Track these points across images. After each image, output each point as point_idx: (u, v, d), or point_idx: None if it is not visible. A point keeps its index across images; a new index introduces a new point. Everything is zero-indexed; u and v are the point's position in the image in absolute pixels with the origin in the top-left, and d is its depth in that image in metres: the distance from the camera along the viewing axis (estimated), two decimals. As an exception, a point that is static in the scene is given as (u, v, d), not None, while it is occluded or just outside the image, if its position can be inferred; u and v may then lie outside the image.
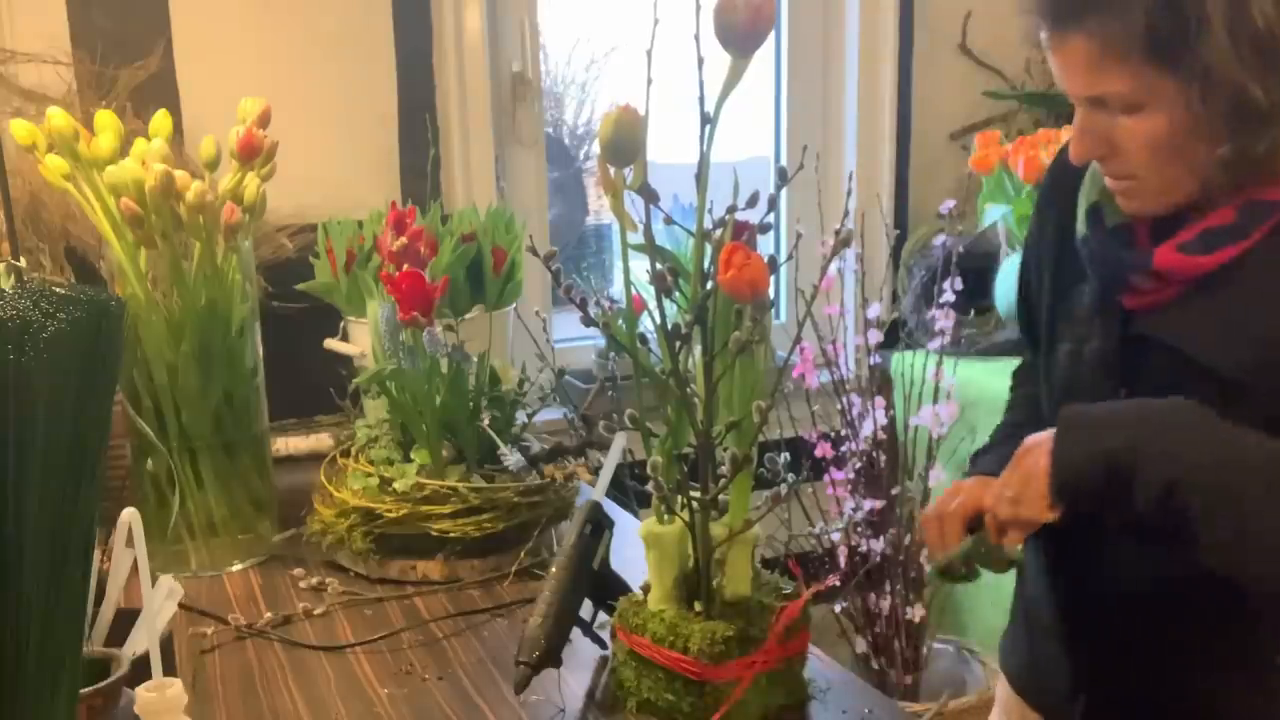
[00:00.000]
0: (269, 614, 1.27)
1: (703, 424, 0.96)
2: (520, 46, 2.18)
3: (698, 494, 0.98)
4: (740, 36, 0.91)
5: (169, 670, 0.82)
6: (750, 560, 1.05)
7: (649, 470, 0.99)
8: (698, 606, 1.01)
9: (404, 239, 1.34)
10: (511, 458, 1.39)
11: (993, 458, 1.15)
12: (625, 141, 0.94)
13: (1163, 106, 0.94)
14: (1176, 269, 0.99)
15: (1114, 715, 1.12)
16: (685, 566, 1.03)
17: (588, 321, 0.97)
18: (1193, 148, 0.95)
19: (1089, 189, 1.07)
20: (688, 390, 0.97)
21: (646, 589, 1.06)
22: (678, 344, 0.94)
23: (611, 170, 0.96)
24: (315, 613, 1.28)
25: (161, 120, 1.44)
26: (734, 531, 1.00)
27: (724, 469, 0.96)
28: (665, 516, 1.03)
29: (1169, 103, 0.93)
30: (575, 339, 2.21)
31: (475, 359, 1.41)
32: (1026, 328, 1.23)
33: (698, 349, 0.96)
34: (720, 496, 0.99)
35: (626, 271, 1.01)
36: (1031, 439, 1.00)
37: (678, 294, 0.96)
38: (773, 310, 2.37)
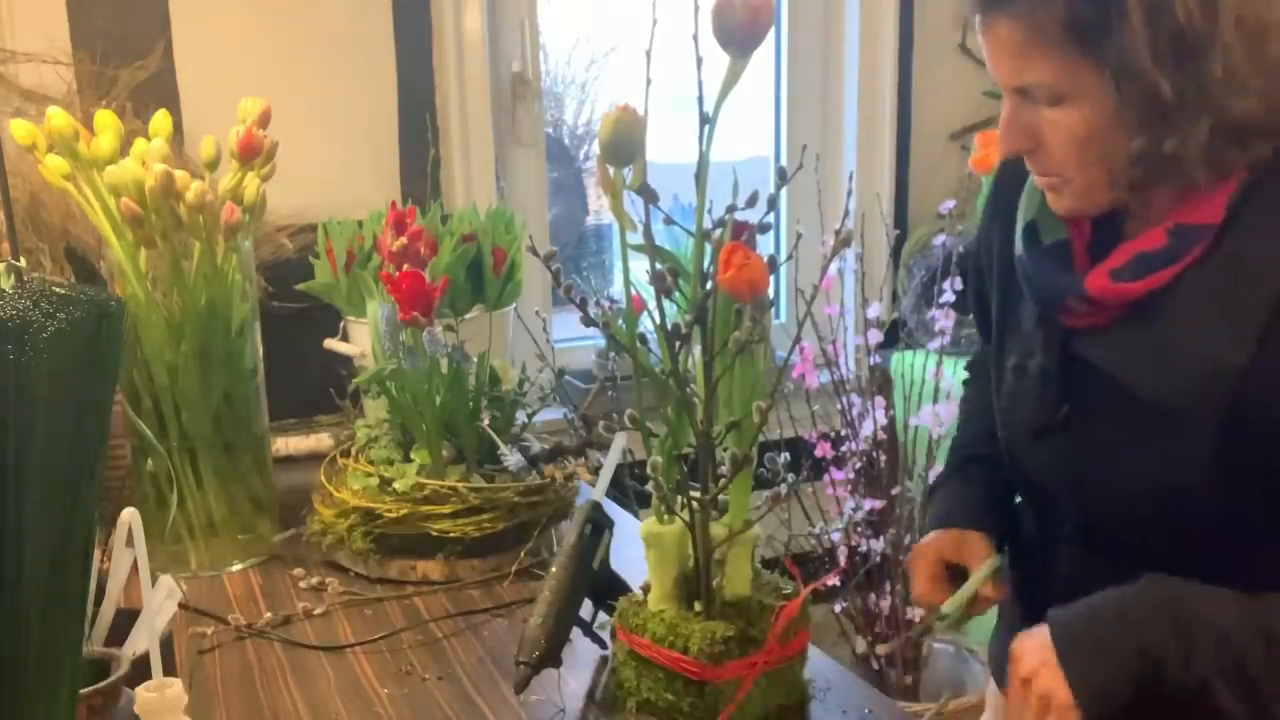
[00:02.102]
0: (269, 614, 1.27)
1: (702, 424, 0.96)
2: (520, 46, 2.18)
3: (698, 494, 0.98)
4: (739, 36, 0.91)
5: (169, 670, 0.82)
6: (750, 560, 1.05)
7: (649, 470, 0.99)
8: (698, 606, 1.01)
9: (404, 239, 1.34)
10: (511, 458, 1.39)
11: (953, 504, 1.17)
12: (625, 141, 0.94)
13: (1084, 98, 0.91)
14: (1108, 295, 0.97)
15: None
16: (685, 566, 1.03)
17: (588, 321, 0.97)
18: (1112, 143, 0.93)
19: (1026, 205, 1.06)
20: (688, 390, 0.97)
21: (646, 589, 1.06)
22: (677, 344, 0.94)
23: (611, 170, 0.96)
24: (315, 613, 1.28)
25: (161, 120, 1.44)
26: (734, 531, 1.00)
27: (724, 469, 0.96)
28: (665, 516, 1.02)
29: (1090, 95, 0.91)
30: (575, 339, 2.21)
31: (475, 359, 1.41)
32: (981, 326, 1.23)
33: (697, 349, 0.96)
34: (720, 496, 0.99)
35: (626, 271, 1.01)
36: (1024, 651, 0.96)
37: (677, 294, 0.96)
38: (773, 310, 2.37)
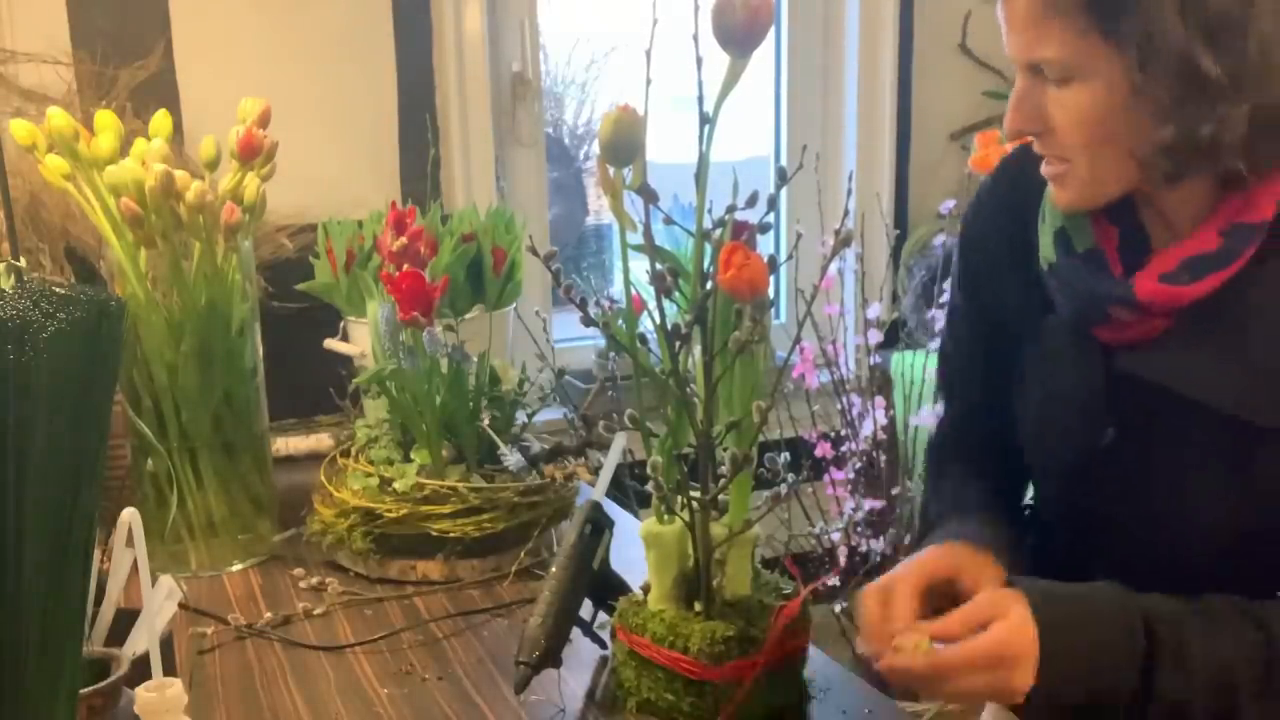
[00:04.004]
0: (269, 614, 1.27)
1: (703, 424, 0.96)
2: (520, 46, 2.18)
3: (698, 494, 0.98)
4: (738, 36, 0.91)
5: (169, 670, 0.82)
6: (750, 560, 1.05)
7: (649, 470, 0.98)
8: (698, 606, 1.01)
9: (404, 239, 1.34)
10: (511, 458, 1.39)
11: (966, 529, 1.03)
12: (625, 141, 0.94)
13: (1097, 77, 0.87)
14: (1160, 300, 0.91)
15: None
16: (685, 566, 1.03)
17: (588, 321, 0.97)
18: (1127, 127, 0.88)
19: (1053, 211, 1.00)
20: (688, 390, 0.97)
21: (646, 589, 1.06)
22: (678, 344, 0.94)
23: (611, 170, 0.96)
24: (315, 613, 1.28)
25: (161, 120, 1.44)
26: (734, 531, 1.00)
27: (724, 469, 0.96)
28: (665, 516, 1.02)
29: (1104, 73, 0.87)
30: (575, 339, 2.21)
31: (475, 359, 1.41)
32: (962, 379, 1.15)
33: (697, 349, 0.96)
34: (720, 496, 0.99)
35: (626, 271, 1.01)
36: (1002, 614, 0.87)
37: (677, 294, 0.96)
38: (772, 310, 2.37)
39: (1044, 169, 0.96)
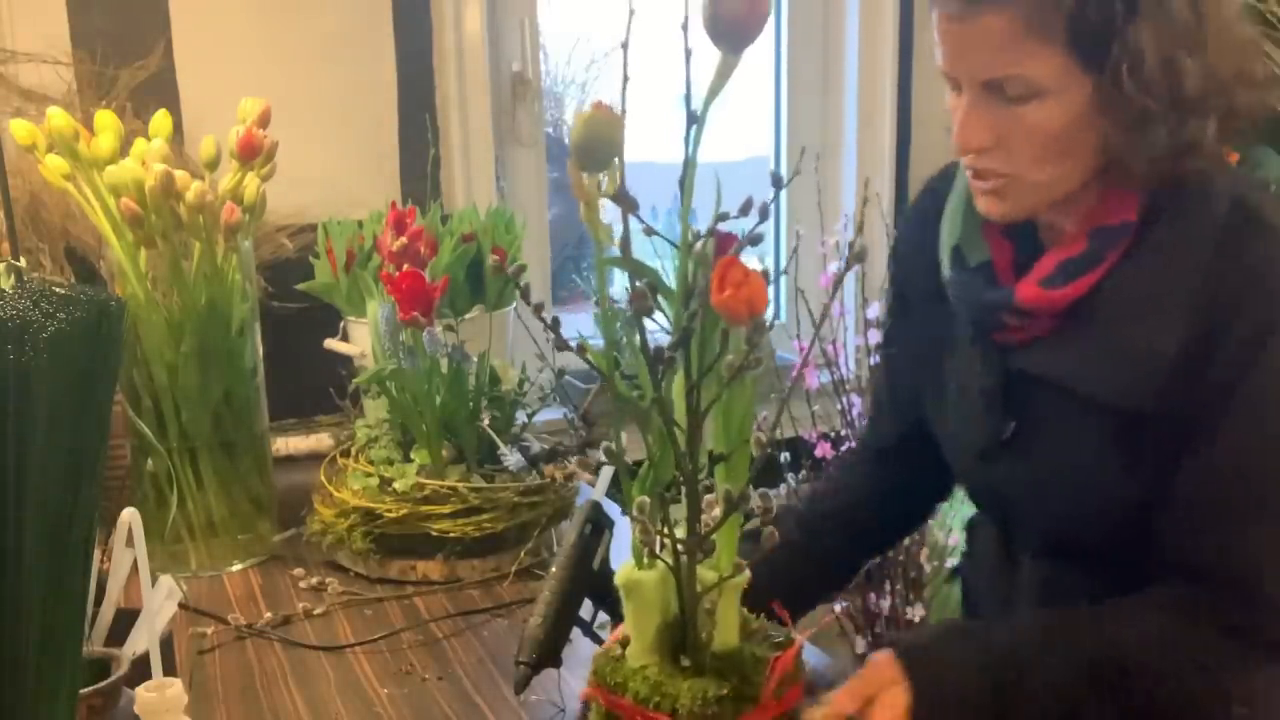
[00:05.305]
0: (269, 614, 1.27)
1: (688, 458, 0.83)
2: (520, 46, 2.18)
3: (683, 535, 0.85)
4: (733, 31, 0.84)
5: (169, 670, 0.83)
6: (738, 607, 0.93)
7: (634, 511, 0.84)
8: (684, 660, 0.89)
9: (404, 239, 1.34)
10: (511, 458, 1.39)
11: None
12: (599, 144, 0.84)
13: (1064, 94, 0.91)
14: (1040, 304, 0.98)
15: None
16: (668, 616, 0.90)
17: (562, 345, 0.87)
18: (1079, 140, 0.93)
19: (950, 229, 1.07)
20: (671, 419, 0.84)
21: (624, 642, 0.93)
22: (660, 369, 0.82)
23: (586, 177, 0.85)
24: (315, 613, 1.28)
25: (161, 120, 1.44)
26: (724, 577, 0.87)
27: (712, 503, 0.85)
28: (645, 560, 0.90)
29: (1070, 91, 0.91)
30: (575, 339, 2.21)
31: (475, 359, 1.41)
32: (890, 395, 1.25)
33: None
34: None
35: (602, 287, 0.91)
36: (884, 669, 0.94)
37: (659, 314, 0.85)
38: (771, 313, 2.37)
39: (976, 183, 1.00)
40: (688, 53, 0.81)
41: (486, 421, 1.43)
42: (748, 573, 0.88)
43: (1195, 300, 0.92)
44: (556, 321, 0.86)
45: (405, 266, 1.32)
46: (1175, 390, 0.92)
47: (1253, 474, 0.93)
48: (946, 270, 1.07)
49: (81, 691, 0.79)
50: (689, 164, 0.84)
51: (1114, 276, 0.96)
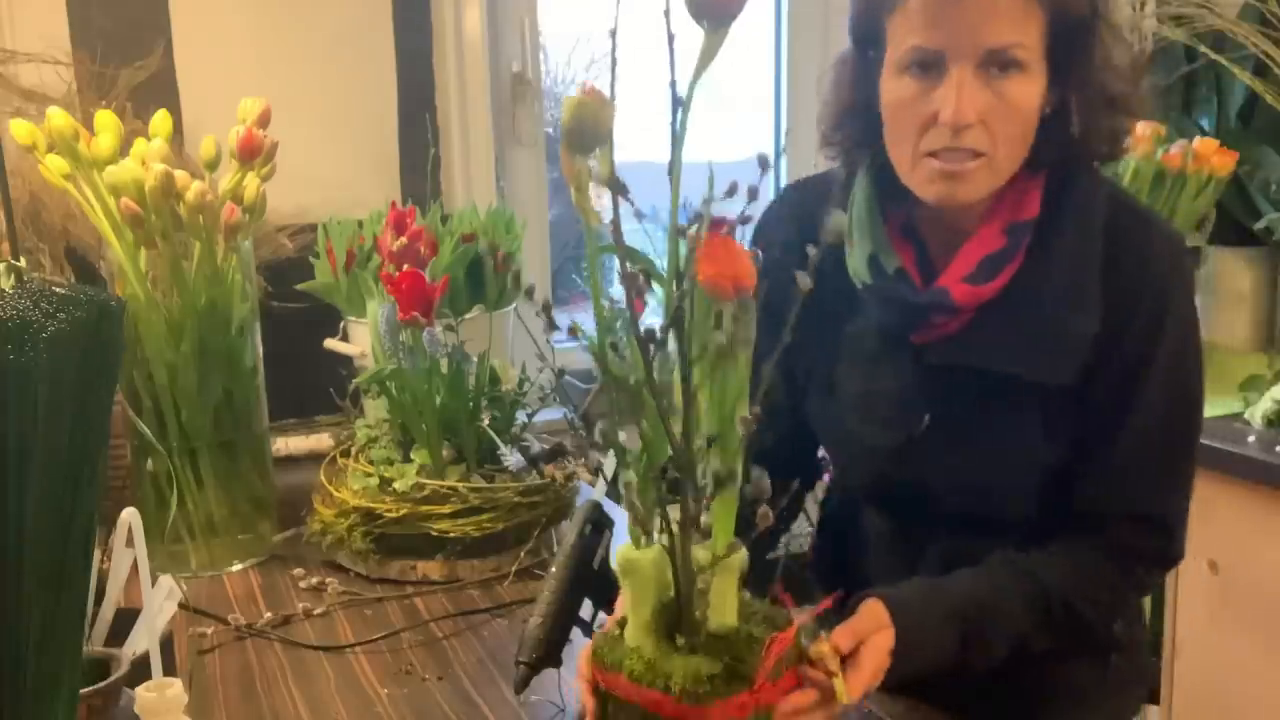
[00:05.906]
0: (269, 614, 1.27)
1: (681, 438, 0.84)
2: (520, 46, 2.18)
3: (677, 514, 0.86)
4: (714, 5, 0.82)
5: (169, 670, 0.83)
6: (736, 587, 0.94)
7: (622, 490, 0.86)
8: (679, 640, 0.90)
9: (404, 239, 1.34)
10: (511, 458, 1.39)
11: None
12: (588, 127, 0.84)
13: (1039, 74, 0.99)
14: (971, 300, 1.04)
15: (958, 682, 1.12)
16: (665, 596, 0.91)
17: (550, 325, 0.89)
18: (1032, 125, 1.01)
19: (861, 237, 1.09)
20: (665, 401, 0.84)
21: (622, 623, 0.94)
22: (651, 350, 0.83)
23: (576, 160, 0.84)
24: (315, 613, 1.28)
25: (161, 120, 1.44)
26: (718, 556, 0.88)
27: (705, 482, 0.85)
28: (642, 540, 0.91)
29: (1040, 73, 0.99)
30: (575, 339, 2.21)
31: (475, 359, 1.41)
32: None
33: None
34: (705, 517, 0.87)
35: (595, 275, 0.90)
36: (877, 614, 1.00)
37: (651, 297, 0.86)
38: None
39: (952, 165, 1.00)
40: (670, 36, 0.81)
41: (486, 421, 1.43)
42: (744, 553, 0.90)
43: (1104, 286, 1.03)
44: (548, 305, 0.89)
45: (405, 266, 1.32)
46: (1094, 366, 1.04)
47: (1164, 432, 1.07)
48: (865, 276, 1.09)
49: (81, 691, 0.79)
50: (676, 146, 0.84)
51: (1025, 268, 1.04)
